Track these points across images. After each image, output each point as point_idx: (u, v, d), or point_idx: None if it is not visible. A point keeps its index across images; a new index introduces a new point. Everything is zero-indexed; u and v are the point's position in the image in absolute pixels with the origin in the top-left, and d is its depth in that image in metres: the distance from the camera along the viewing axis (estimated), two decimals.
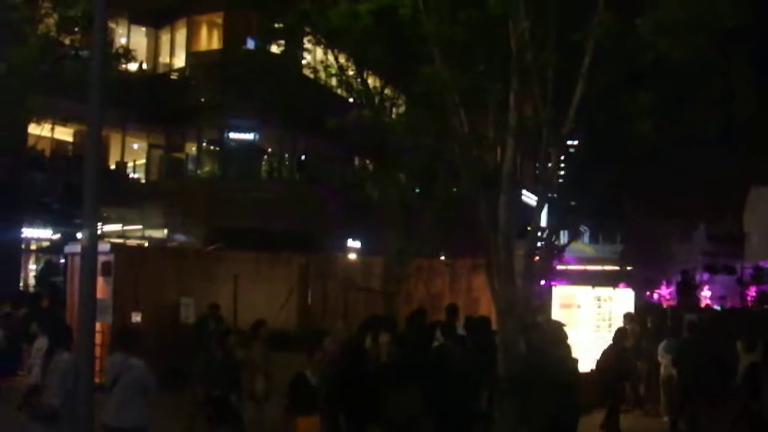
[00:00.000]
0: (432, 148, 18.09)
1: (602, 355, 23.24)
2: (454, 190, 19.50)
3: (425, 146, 18.37)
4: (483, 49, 16.23)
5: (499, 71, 16.59)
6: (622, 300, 26.35)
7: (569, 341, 16.44)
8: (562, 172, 18.17)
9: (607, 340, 24.90)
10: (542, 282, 19.83)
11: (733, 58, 16.21)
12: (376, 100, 23.81)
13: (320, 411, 14.87)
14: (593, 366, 24.42)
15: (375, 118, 19.78)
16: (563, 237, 27.82)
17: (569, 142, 17.78)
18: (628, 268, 49.10)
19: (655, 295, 39.68)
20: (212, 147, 48.47)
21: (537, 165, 18.18)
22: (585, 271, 47.66)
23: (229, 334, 18.38)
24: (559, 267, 28.34)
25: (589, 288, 26.08)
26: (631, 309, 26.09)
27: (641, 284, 40.91)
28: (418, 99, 18.00)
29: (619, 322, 25.21)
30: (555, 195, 17.88)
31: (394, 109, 26.35)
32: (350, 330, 19.46)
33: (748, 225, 41.06)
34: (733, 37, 16.12)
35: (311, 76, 28.19)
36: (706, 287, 42.66)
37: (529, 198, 21.78)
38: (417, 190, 27.23)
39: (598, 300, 25.77)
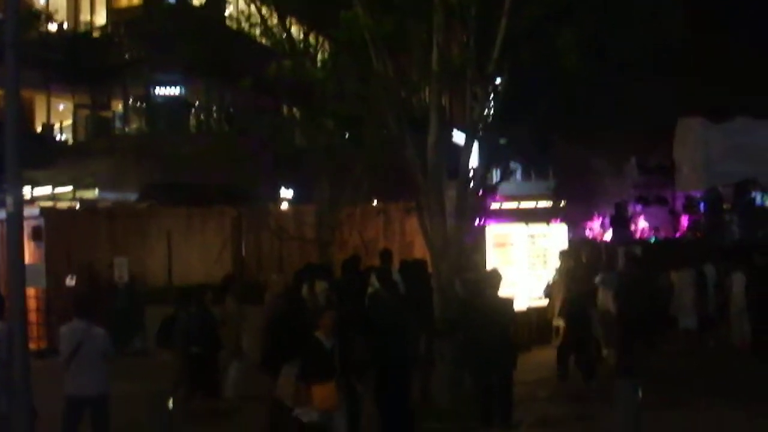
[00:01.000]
0: (357, 93, 17.97)
1: (567, 293, 23.35)
2: (383, 133, 19.34)
3: (350, 92, 18.24)
4: None
5: (421, 12, 16.50)
6: (555, 236, 26.44)
7: (503, 282, 16.51)
8: (489, 111, 18.15)
9: (543, 277, 25.06)
10: (475, 222, 19.83)
11: None
12: (300, 47, 23.56)
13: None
14: (529, 304, 24.59)
15: (295, 68, 19.60)
16: (495, 175, 27.88)
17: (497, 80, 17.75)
18: (562, 203, 49.23)
19: (588, 232, 39.77)
20: (139, 104, 47.94)
21: (464, 104, 18.15)
22: (518, 208, 47.82)
23: (207, 291, 18.24)
24: (492, 205, 28.24)
25: (522, 225, 26.08)
26: (565, 245, 26.22)
27: (575, 219, 41.14)
28: (341, 45, 17.87)
29: (553, 259, 25.35)
30: (483, 133, 17.88)
31: (319, 56, 26.09)
32: (286, 280, 19.36)
33: (678, 156, 41.32)
34: None
35: (234, 26, 27.86)
36: (640, 218, 42.89)
37: (459, 137, 21.71)
38: (346, 136, 27.07)
39: (532, 237, 25.81)
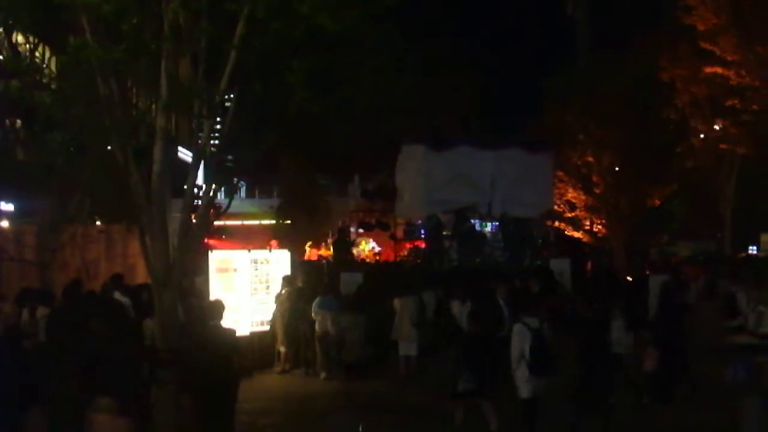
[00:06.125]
0: (83, 119, 17.60)
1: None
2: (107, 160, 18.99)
3: (76, 118, 17.85)
4: (135, 18, 15.94)
5: (151, 40, 16.39)
6: (278, 262, 26.67)
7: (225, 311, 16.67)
8: (216, 135, 18.25)
9: (265, 302, 25.40)
10: (200, 245, 19.68)
11: (388, 34, 16.74)
12: (26, 64, 22.84)
13: None
14: (252, 329, 24.78)
15: (22, 92, 19.02)
16: (220, 194, 27.87)
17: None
18: (287, 221, 49.61)
19: (314, 254, 39.93)
20: None
21: (192, 129, 18.23)
22: (242, 226, 47.78)
23: None
24: (216, 223, 28.18)
25: (245, 251, 26.13)
26: (288, 270, 26.55)
27: (299, 240, 41.55)
28: (67, 68, 17.52)
29: (276, 284, 25.74)
30: (210, 154, 17.91)
31: (45, 72, 25.43)
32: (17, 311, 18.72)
33: (400, 183, 41.51)
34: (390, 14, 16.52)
35: None
36: (363, 242, 43.25)
37: (185, 155, 21.36)
38: (72, 150, 26.41)
39: (255, 263, 25.88)
